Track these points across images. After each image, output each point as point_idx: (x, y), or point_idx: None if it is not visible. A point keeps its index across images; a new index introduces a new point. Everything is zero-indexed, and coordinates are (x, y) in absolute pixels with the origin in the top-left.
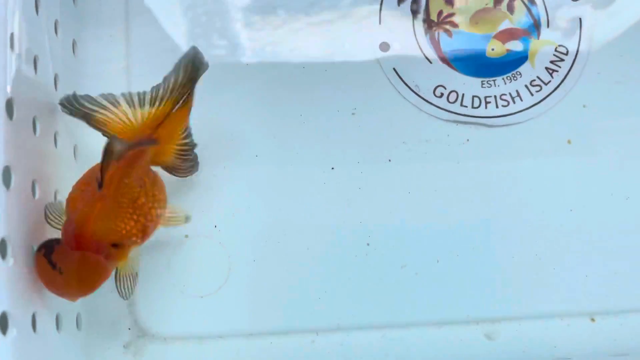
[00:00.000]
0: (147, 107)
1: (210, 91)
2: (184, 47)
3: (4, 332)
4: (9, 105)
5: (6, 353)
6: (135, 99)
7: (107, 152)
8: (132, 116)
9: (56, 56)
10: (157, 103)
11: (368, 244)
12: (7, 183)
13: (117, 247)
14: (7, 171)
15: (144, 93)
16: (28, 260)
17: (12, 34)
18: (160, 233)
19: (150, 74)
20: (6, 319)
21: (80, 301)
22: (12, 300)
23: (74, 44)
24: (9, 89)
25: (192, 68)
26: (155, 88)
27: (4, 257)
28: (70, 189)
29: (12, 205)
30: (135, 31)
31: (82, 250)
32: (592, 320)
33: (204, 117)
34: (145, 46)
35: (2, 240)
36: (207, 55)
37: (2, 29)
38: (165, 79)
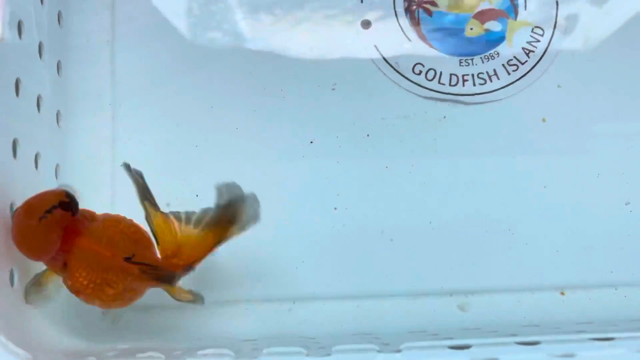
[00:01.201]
0: (191, 226)
1: (192, 66)
2: (171, 24)
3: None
4: None
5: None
6: (183, 215)
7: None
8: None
9: (41, 25)
10: (200, 227)
11: (344, 216)
12: None
13: None
14: None
15: (193, 212)
16: None
17: None
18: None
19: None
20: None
21: None
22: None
23: (59, 15)
24: None
25: (244, 216)
26: (205, 211)
27: None
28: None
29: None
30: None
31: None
32: (562, 293)
33: (186, 90)
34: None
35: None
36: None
37: None
38: (217, 206)
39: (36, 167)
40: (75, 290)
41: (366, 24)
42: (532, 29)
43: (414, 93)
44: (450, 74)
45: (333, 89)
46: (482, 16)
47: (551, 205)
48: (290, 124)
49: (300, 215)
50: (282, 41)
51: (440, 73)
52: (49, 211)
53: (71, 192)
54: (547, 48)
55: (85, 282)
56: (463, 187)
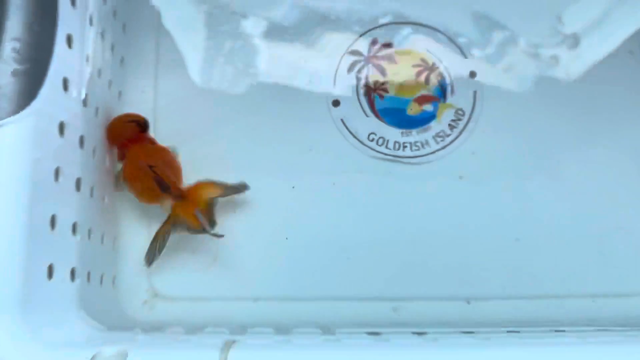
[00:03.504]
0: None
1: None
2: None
3: (73, 280)
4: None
5: (72, 297)
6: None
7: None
8: None
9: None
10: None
11: (319, 241)
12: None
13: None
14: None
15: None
16: None
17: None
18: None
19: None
20: (74, 273)
21: (115, 267)
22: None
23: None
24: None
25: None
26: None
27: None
28: None
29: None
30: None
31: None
32: (467, 302)
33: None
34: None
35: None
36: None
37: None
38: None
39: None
40: (123, 177)
41: (336, 103)
42: (456, 110)
43: (368, 155)
44: (395, 141)
45: (310, 150)
46: (420, 100)
47: (463, 237)
48: (276, 174)
49: (269, 231)
50: (271, 113)
51: (387, 140)
52: (129, 121)
53: (148, 122)
54: (466, 125)
55: (127, 171)
56: (401, 222)
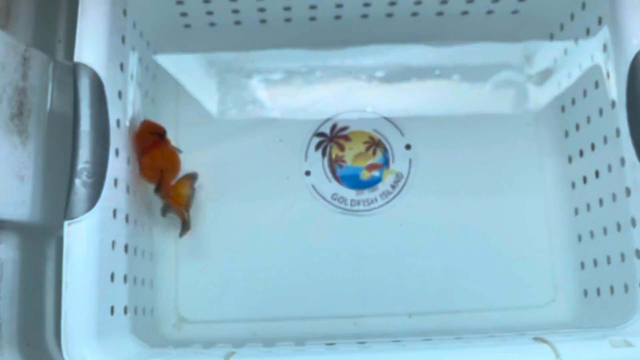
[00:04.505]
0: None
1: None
2: None
3: (126, 314)
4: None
5: (126, 326)
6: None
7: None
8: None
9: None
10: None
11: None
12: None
13: None
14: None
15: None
16: None
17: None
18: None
19: None
20: (126, 309)
21: (153, 302)
22: (129, 299)
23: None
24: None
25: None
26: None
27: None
28: None
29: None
30: None
31: None
32: (409, 316)
33: None
34: None
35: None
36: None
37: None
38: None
39: None
40: (139, 168)
41: (308, 173)
42: (396, 174)
43: (332, 210)
44: (351, 199)
45: (290, 208)
46: (369, 167)
47: (400, 274)
48: (263, 226)
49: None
50: (257, 182)
51: (346, 199)
52: (152, 133)
53: (166, 131)
54: (404, 185)
55: (143, 164)
56: (355, 264)
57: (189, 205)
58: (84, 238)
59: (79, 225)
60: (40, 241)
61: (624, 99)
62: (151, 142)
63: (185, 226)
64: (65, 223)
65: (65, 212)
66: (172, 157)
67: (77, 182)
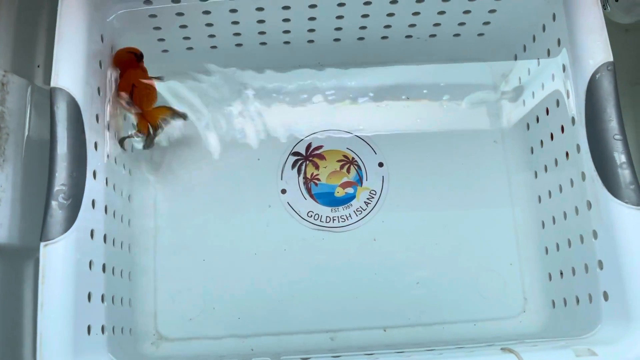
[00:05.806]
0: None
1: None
2: None
3: (103, 333)
4: None
5: (103, 345)
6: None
7: None
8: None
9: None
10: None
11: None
12: None
13: None
14: None
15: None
16: None
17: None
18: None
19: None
20: (104, 328)
21: (131, 321)
22: (106, 319)
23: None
24: None
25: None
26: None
27: None
28: None
29: None
30: None
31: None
32: (384, 330)
33: None
34: None
35: None
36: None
37: None
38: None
39: None
40: (118, 87)
41: (284, 191)
42: (369, 191)
43: (308, 227)
44: (326, 216)
45: (267, 226)
46: (344, 185)
47: (377, 288)
48: (241, 242)
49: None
50: (236, 201)
51: (321, 216)
52: (129, 52)
53: (142, 54)
54: (377, 201)
55: (120, 85)
56: (330, 275)
57: (157, 128)
58: (59, 259)
59: (55, 246)
60: (18, 263)
61: (582, 116)
62: (127, 61)
63: (149, 142)
64: (42, 244)
65: (42, 233)
66: (145, 77)
67: (54, 204)
